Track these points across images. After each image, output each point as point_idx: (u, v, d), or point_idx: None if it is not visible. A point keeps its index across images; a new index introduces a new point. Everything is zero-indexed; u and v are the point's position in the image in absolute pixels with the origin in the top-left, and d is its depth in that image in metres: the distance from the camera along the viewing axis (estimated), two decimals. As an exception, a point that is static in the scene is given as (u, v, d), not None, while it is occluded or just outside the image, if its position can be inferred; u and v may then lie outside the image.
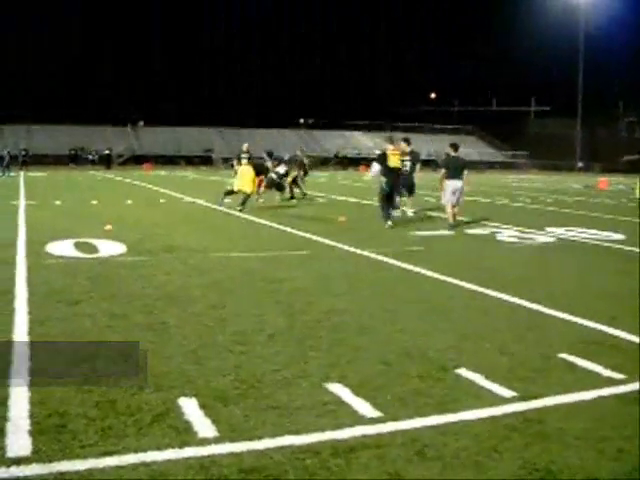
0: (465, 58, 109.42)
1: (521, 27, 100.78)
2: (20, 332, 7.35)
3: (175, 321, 7.93)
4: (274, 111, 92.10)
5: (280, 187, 24.71)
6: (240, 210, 20.49)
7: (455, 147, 18.53)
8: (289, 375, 6.07)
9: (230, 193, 22.11)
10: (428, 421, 5.18)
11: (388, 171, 18.06)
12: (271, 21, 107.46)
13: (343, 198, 28.96)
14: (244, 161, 24.12)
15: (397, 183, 18.73)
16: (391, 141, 19.41)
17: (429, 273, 11.34)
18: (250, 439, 4.82)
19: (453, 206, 17.73)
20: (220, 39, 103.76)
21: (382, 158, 18.26)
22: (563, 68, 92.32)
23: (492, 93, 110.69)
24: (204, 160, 76.53)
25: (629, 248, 15.09)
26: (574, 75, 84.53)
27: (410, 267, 11.85)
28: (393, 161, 18.25)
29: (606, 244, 15.70)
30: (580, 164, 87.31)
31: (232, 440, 4.80)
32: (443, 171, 18.02)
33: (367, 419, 5.19)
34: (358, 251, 13.52)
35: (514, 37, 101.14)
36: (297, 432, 4.94)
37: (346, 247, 14.01)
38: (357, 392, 5.68)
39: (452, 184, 17.64)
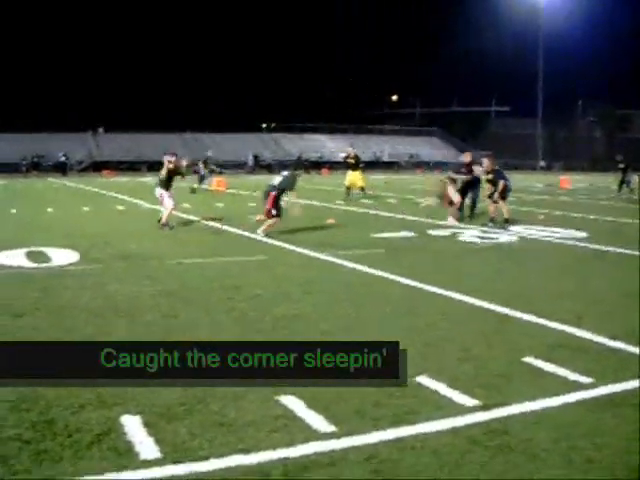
0: (425, 59, 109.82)
1: (481, 28, 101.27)
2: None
3: (123, 333, 7.55)
4: (236, 116, 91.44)
5: None
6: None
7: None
8: (239, 388, 5.74)
9: None
10: (385, 435, 4.87)
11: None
12: (231, 25, 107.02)
13: (306, 202, 28.58)
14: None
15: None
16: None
17: (390, 276, 11.06)
18: (195, 460, 4.50)
19: None
20: (179, 43, 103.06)
21: None
22: (523, 68, 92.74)
23: (453, 94, 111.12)
24: (166, 166, 75.48)
25: (592, 246, 14.94)
26: (534, 75, 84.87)
27: (371, 270, 11.57)
28: None
29: (569, 242, 15.55)
30: (542, 163, 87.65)
31: (175, 462, 4.48)
32: None
33: (321, 434, 4.88)
34: (317, 255, 13.22)
35: (474, 38, 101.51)
36: (246, 451, 4.62)
37: (305, 251, 13.71)
38: (311, 405, 5.36)
39: None
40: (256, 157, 76.06)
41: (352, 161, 29.48)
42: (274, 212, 15.93)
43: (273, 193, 15.92)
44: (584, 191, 38.17)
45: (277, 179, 16.48)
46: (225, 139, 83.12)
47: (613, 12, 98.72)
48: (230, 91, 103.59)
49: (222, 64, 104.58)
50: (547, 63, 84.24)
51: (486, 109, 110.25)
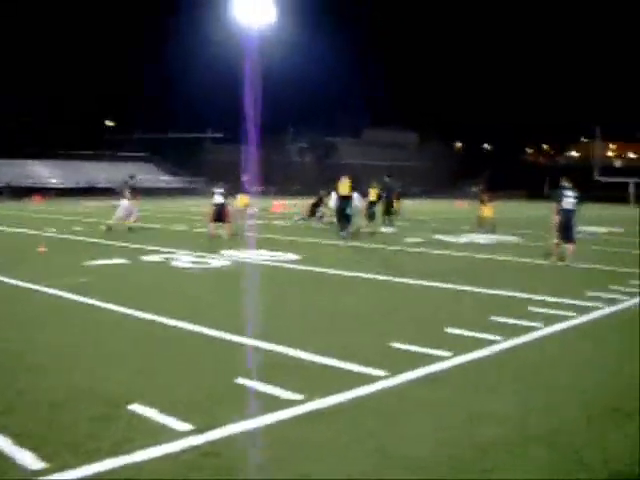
0: (139, 85, 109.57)
1: (193, 57, 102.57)
2: None
3: None
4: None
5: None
6: None
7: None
8: (-57, 430, 5.41)
9: None
10: (100, 467, 4.76)
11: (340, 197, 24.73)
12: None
13: (15, 230, 27.40)
14: None
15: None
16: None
17: (101, 304, 10.82)
18: None
19: None
20: None
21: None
22: (237, 96, 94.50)
23: (169, 121, 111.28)
24: None
25: (304, 268, 15.47)
26: (247, 104, 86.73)
27: (81, 299, 11.27)
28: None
29: (284, 265, 16.00)
30: (259, 188, 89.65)
31: None
32: None
33: (30, 472, 4.69)
34: (27, 285, 12.68)
35: (188, 67, 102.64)
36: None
37: (13, 281, 13.09)
38: (20, 442, 5.14)
39: None
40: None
41: None
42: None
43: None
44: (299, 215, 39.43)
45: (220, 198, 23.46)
46: None
47: (323, 49, 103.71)
48: None
49: None
50: (263, 92, 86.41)
51: (201, 135, 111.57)
